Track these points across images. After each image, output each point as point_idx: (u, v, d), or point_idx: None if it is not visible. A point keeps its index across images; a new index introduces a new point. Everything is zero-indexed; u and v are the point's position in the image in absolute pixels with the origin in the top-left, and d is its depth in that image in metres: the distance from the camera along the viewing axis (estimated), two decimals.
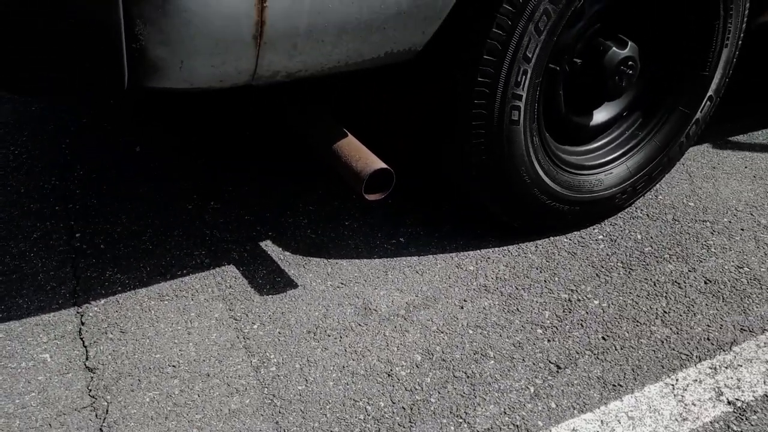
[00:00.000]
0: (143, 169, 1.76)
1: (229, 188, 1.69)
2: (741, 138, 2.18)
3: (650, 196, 1.79)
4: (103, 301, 1.34)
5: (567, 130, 1.55)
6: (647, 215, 1.71)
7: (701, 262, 1.54)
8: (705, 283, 1.47)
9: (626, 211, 1.72)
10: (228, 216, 1.61)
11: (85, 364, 1.20)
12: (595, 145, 1.60)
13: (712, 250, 1.58)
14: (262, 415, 1.12)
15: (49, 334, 1.26)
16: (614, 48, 1.43)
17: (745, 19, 1.55)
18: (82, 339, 1.26)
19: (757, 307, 1.40)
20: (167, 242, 1.52)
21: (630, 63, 1.45)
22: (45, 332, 1.27)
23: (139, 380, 1.17)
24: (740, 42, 1.59)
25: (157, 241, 1.52)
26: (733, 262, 1.54)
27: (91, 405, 1.12)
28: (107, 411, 1.11)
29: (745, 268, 1.52)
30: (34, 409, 1.10)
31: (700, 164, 1.98)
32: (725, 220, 1.70)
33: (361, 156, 1.26)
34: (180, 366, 1.20)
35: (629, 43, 1.45)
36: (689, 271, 1.50)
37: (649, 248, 1.58)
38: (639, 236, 1.62)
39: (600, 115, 1.59)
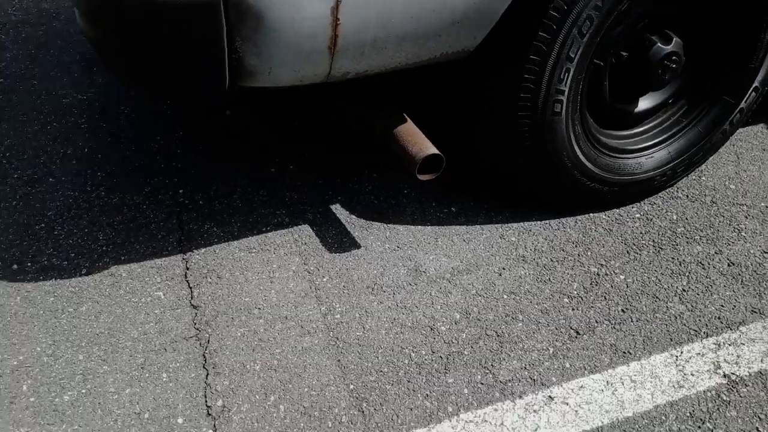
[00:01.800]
0: (233, 133, 2.03)
1: (306, 154, 1.94)
2: None
3: (693, 177, 1.90)
4: (203, 250, 1.64)
5: (612, 116, 1.68)
6: (687, 196, 1.83)
7: (729, 245, 1.67)
8: (728, 265, 1.61)
9: (668, 190, 1.85)
10: (304, 179, 1.86)
11: (190, 302, 1.50)
12: (639, 129, 1.73)
13: (743, 234, 1.70)
14: (327, 353, 1.39)
15: (162, 276, 1.57)
16: (659, 44, 1.54)
17: None
18: (187, 281, 1.56)
19: None
20: (254, 201, 1.79)
21: (674, 57, 1.56)
22: (158, 274, 1.57)
23: (233, 318, 1.46)
24: None
25: (245, 200, 1.80)
26: (760, 246, 1.66)
27: (195, 336, 1.42)
28: (208, 341, 1.41)
29: None
30: (153, 336, 1.42)
31: (750, 146, 2.05)
32: (762, 204, 1.81)
33: (417, 141, 1.46)
34: (264, 309, 1.48)
35: (674, 38, 1.55)
36: (716, 253, 1.64)
37: (682, 229, 1.72)
38: (675, 216, 1.76)
39: (645, 102, 1.70)
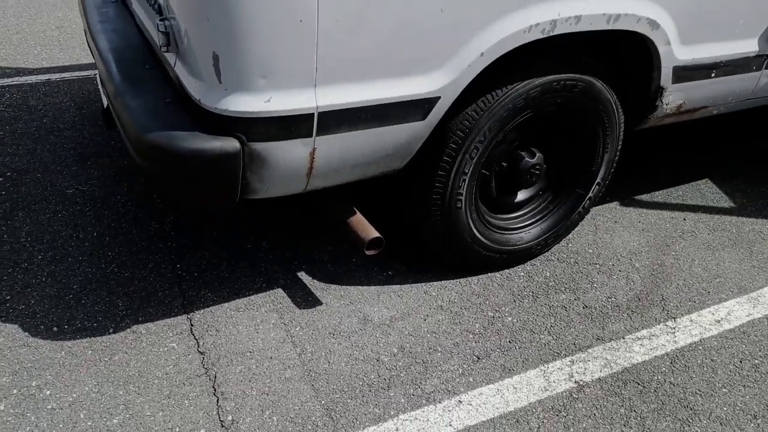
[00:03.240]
0: (216, 218, 2.58)
1: (276, 234, 2.52)
2: (643, 197, 2.99)
3: (563, 244, 2.60)
4: (202, 311, 2.17)
5: (499, 205, 2.36)
6: (557, 258, 2.52)
7: (584, 293, 2.35)
8: (583, 308, 2.29)
9: (545, 255, 2.53)
10: (275, 253, 2.43)
11: (197, 350, 2.02)
12: (519, 213, 2.41)
13: (594, 285, 2.39)
14: (303, 381, 1.94)
15: (173, 331, 2.09)
16: (526, 158, 2.24)
17: (621, 133, 2.36)
18: (193, 335, 2.08)
19: (611, 325, 2.21)
20: (237, 271, 2.34)
21: (537, 166, 2.26)
22: (170, 330, 2.09)
23: (231, 360, 1.99)
24: (620, 146, 2.40)
25: (230, 270, 2.35)
26: (605, 293, 2.36)
27: (205, 373, 1.94)
28: (215, 377, 1.93)
29: (612, 298, 2.34)
30: (173, 375, 1.93)
31: (605, 218, 2.79)
32: (610, 263, 2.52)
33: (364, 228, 2.07)
34: (254, 352, 2.02)
35: (537, 153, 2.26)
36: (575, 299, 2.32)
37: (552, 282, 2.39)
38: (548, 274, 2.44)
39: (522, 195, 2.40)
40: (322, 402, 1.87)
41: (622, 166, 3.21)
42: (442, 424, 1.82)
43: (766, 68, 2.50)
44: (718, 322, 2.25)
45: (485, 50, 1.79)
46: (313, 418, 1.82)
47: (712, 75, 2.36)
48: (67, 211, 2.59)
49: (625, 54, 2.21)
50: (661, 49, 2.13)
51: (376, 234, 2.05)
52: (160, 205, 2.65)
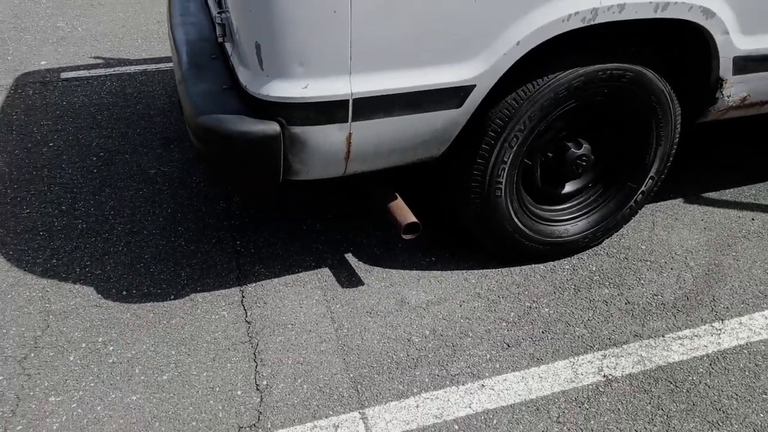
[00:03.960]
0: (275, 200, 2.75)
1: (329, 216, 2.65)
2: (710, 194, 2.87)
3: (615, 238, 2.55)
4: (254, 285, 2.33)
5: (544, 195, 2.36)
6: (606, 253, 2.48)
7: (629, 289, 2.31)
8: (626, 303, 2.25)
9: (594, 249, 2.50)
10: (327, 235, 2.56)
11: (245, 319, 2.19)
12: (566, 205, 2.40)
13: (641, 282, 2.34)
14: (336, 354, 2.05)
15: (225, 301, 2.26)
16: (572, 149, 2.22)
17: (678, 126, 2.29)
18: (243, 305, 2.25)
19: (653, 322, 2.16)
20: (290, 250, 2.49)
21: (584, 158, 2.24)
22: (223, 300, 2.27)
23: (274, 330, 2.14)
24: (677, 139, 2.32)
25: (285, 249, 2.50)
26: (652, 291, 2.30)
27: (249, 341, 2.10)
28: (258, 345, 2.08)
29: (659, 296, 2.28)
30: (221, 340, 2.10)
31: (666, 215, 2.71)
32: (662, 260, 2.45)
33: (403, 212, 2.15)
34: (295, 324, 2.16)
35: (584, 144, 2.24)
36: (618, 294, 2.28)
37: (597, 276, 2.36)
38: (594, 268, 2.41)
39: (569, 186, 2.38)
40: (351, 375, 1.97)
41: (687, 161, 3.08)
42: (462, 405, 1.87)
43: None
44: None
45: (521, 39, 1.81)
46: (340, 389, 1.93)
47: None
48: (148, 189, 2.84)
49: (681, 43, 2.14)
50: (719, 38, 2.05)
51: (413, 219, 2.12)
52: (228, 187, 2.85)
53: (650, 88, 2.12)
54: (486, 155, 2.07)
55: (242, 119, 1.80)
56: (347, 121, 1.82)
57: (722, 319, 2.18)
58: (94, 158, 3.05)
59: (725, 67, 2.15)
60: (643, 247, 2.52)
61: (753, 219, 2.70)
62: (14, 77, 3.84)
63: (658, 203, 2.78)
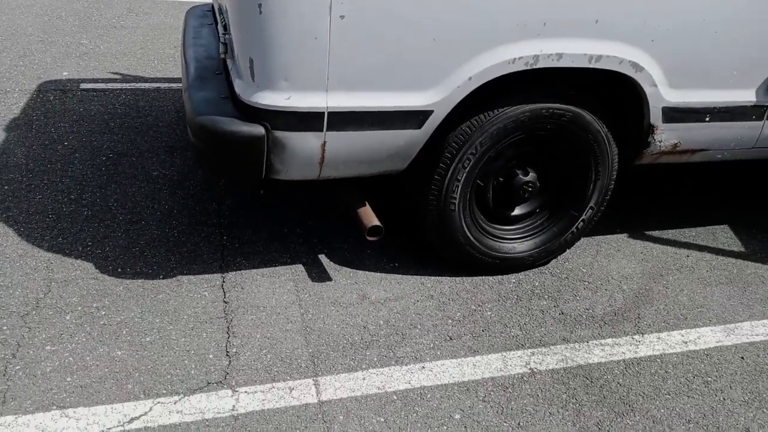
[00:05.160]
0: (263, 205, 3.07)
1: (309, 222, 2.96)
2: (654, 232, 3.19)
3: (560, 261, 2.86)
4: (234, 273, 2.63)
5: (497, 215, 2.68)
6: (550, 272, 2.79)
7: (565, 303, 2.61)
8: (560, 314, 2.54)
9: (540, 268, 2.81)
10: (305, 237, 2.87)
11: (223, 300, 2.48)
12: (515, 226, 2.72)
13: (577, 297, 2.64)
14: (300, 333, 2.34)
15: (208, 284, 2.56)
16: (519, 175, 2.56)
17: (615, 164, 2.62)
18: (223, 289, 2.54)
19: (580, 331, 2.45)
20: (270, 248, 2.80)
21: (530, 184, 2.57)
22: (206, 283, 2.56)
23: (247, 310, 2.43)
24: (614, 175, 2.66)
25: (265, 247, 2.81)
26: (585, 305, 2.60)
27: (224, 317, 2.39)
28: (231, 321, 2.37)
29: (590, 310, 2.57)
30: (200, 315, 2.39)
31: (609, 246, 3.02)
32: (599, 282, 2.75)
33: (369, 216, 2.47)
34: (267, 308, 2.45)
35: (530, 172, 2.57)
36: (554, 306, 2.58)
37: (539, 290, 2.66)
38: (537, 283, 2.71)
39: (519, 209, 2.70)
40: (310, 351, 2.26)
41: (635, 200, 3.41)
42: (402, 381, 2.15)
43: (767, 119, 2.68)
44: (685, 343, 2.43)
45: (473, 75, 2.17)
46: (299, 360, 2.21)
47: (707, 119, 2.58)
48: (149, 188, 3.17)
49: (616, 91, 2.50)
50: (647, 89, 2.41)
51: (377, 222, 2.44)
52: (222, 191, 3.18)
53: (588, 128, 2.47)
54: (442, 173, 2.40)
55: (233, 121, 2.14)
56: (322, 131, 2.16)
57: (643, 333, 2.47)
58: (104, 158, 3.39)
59: (655, 116, 2.50)
60: (584, 270, 2.83)
61: (688, 255, 3.01)
62: (37, 84, 4.22)
63: (605, 235, 3.10)
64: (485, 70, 2.17)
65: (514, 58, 2.18)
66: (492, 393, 2.14)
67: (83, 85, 4.27)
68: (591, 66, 2.28)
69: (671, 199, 3.50)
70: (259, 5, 1.97)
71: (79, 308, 2.36)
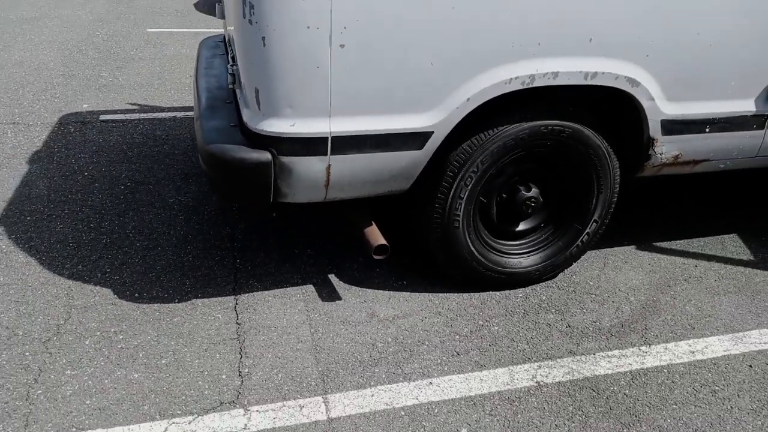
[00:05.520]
0: (274, 228, 3.16)
1: (319, 243, 3.04)
2: (661, 243, 3.20)
3: (568, 275, 2.89)
4: (247, 295, 2.71)
5: (501, 231, 2.73)
6: (557, 286, 2.82)
7: (572, 316, 2.63)
8: (566, 327, 2.57)
9: (547, 282, 2.84)
10: (315, 259, 2.94)
11: (236, 321, 2.55)
12: (520, 241, 2.76)
13: (584, 310, 2.67)
14: (310, 353, 2.39)
15: (221, 306, 2.63)
16: (522, 191, 2.61)
17: (617, 177, 2.66)
18: (236, 311, 2.62)
19: (587, 343, 2.48)
20: (282, 269, 2.88)
21: (533, 199, 2.62)
22: (219, 305, 2.64)
23: (259, 331, 2.50)
24: (617, 188, 2.69)
25: (277, 269, 2.88)
26: (591, 318, 2.62)
27: (237, 338, 2.46)
28: (244, 342, 2.44)
29: (597, 323, 2.60)
30: (214, 336, 2.46)
31: (617, 258, 3.05)
32: (606, 294, 2.77)
33: (375, 236, 2.53)
34: (278, 328, 2.52)
35: (533, 188, 2.62)
36: (561, 319, 2.61)
37: (546, 304, 2.70)
38: (544, 297, 2.74)
39: (523, 225, 2.75)
40: (320, 369, 2.31)
41: (640, 212, 3.43)
42: (410, 397, 2.20)
43: None
44: (692, 353, 2.44)
45: (471, 96, 2.23)
46: (309, 379, 2.27)
47: (707, 130, 2.62)
48: (165, 214, 3.28)
49: (615, 105, 2.54)
50: (645, 104, 2.45)
51: (383, 241, 2.50)
52: (236, 215, 3.28)
53: (588, 143, 2.51)
54: (445, 191, 2.46)
55: (241, 148, 2.23)
56: (327, 155, 2.23)
57: (650, 344, 2.49)
58: (122, 187, 3.51)
59: (654, 129, 2.54)
60: (591, 282, 2.86)
61: (696, 266, 3.02)
62: (59, 116, 4.38)
63: (612, 248, 3.12)
64: (482, 91, 2.23)
65: (511, 78, 2.24)
66: (498, 407, 2.17)
67: (102, 117, 4.42)
68: (587, 83, 2.33)
69: (673, 210, 3.51)
70: (263, 38, 2.06)
71: (98, 333, 2.45)
